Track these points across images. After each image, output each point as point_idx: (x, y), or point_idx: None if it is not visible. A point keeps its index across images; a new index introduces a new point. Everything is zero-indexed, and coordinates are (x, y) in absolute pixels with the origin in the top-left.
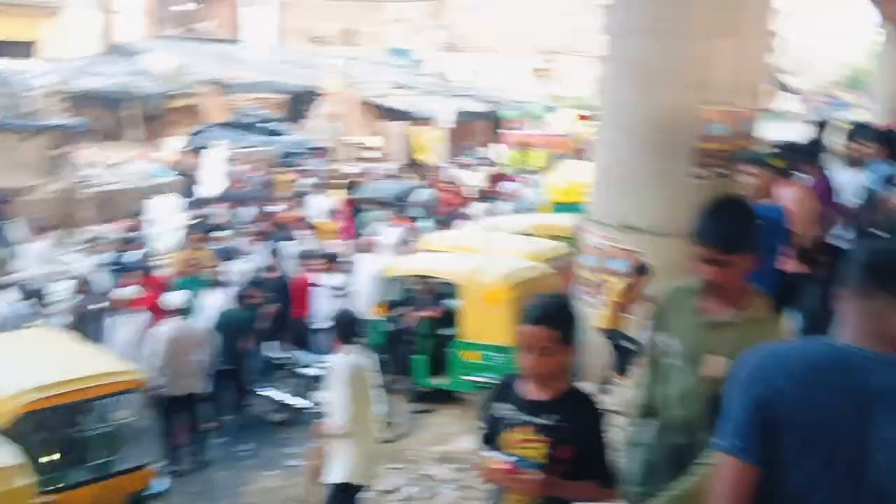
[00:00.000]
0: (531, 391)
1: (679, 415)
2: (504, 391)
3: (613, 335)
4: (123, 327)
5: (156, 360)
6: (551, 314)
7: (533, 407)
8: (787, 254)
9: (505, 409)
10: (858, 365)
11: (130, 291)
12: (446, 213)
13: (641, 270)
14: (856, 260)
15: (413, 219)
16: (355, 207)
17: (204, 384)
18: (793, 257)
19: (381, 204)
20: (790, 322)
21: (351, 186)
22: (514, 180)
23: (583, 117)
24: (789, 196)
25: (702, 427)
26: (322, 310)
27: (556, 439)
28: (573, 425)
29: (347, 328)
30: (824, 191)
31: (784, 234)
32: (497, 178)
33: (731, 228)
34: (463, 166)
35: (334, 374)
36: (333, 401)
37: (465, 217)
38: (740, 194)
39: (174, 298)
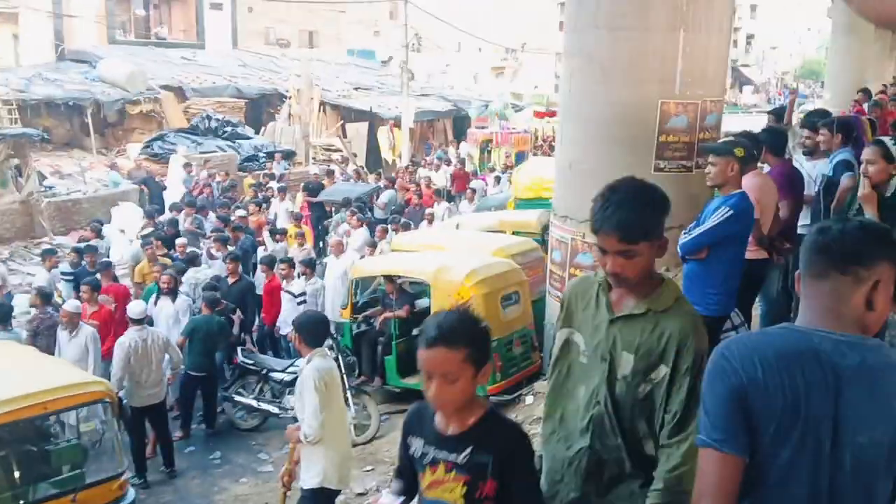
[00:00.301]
0: (443, 422)
1: (586, 417)
2: (418, 422)
3: None
4: (71, 340)
5: (116, 371)
6: (450, 333)
7: (446, 441)
8: (751, 241)
9: (418, 445)
10: (823, 346)
11: (74, 305)
12: (409, 214)
13: None
14: (807, 243)
15: (374, 220)
16: (315, 210)
17: (167, 393)
18: (754, 244)
19: (342, 206)
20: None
21: (309, 189)
22: (477, 178)
23: (538, 114)
24: (749, 184)
25: (610, 430)
26: (286, 315)
27: (475, 476)
28: (493, 457)
29: (313, 332)
30: (785, 178)
31: (752, 222)
32: (460, 177)
33: (632, 215)
34: (427, 165)
35: (303, 382)
36: (304, 408)
37: (428, 217)
38: (642, 179)
39: (135, 308)
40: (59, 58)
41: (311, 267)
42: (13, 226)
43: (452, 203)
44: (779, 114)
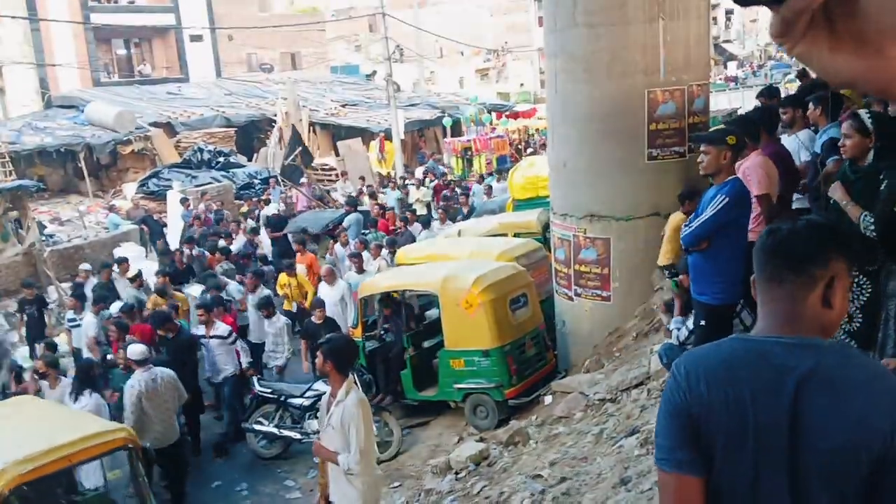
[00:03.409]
0: None
1: None
2: None
3: (671, 270)
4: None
5: (128, 415)
6: None
7: None
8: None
9: None
10: (775, 352)
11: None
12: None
13: (692, 195)
14: (758, 246)
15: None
16: (279, 245)
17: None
18: (758, 227)
19: (311, 235)
20: None
21: (272, 225)
22: (458, 188)
23: (509, 116)
24: (753, 163)
25: None
26: (216, 362)
27: None
28: None
29: (345, 357)
30: (775, 159)
31: (750, 207)
32: (440, 190)
33: None
34: (410, 181)
35: (349, 415)
36: (349, 441)
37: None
38: None
39: (136, 350)
40: (46, 105)
41: (268, 307)
42: (17, 278)
43: (433, 219)
44: (769, 93)
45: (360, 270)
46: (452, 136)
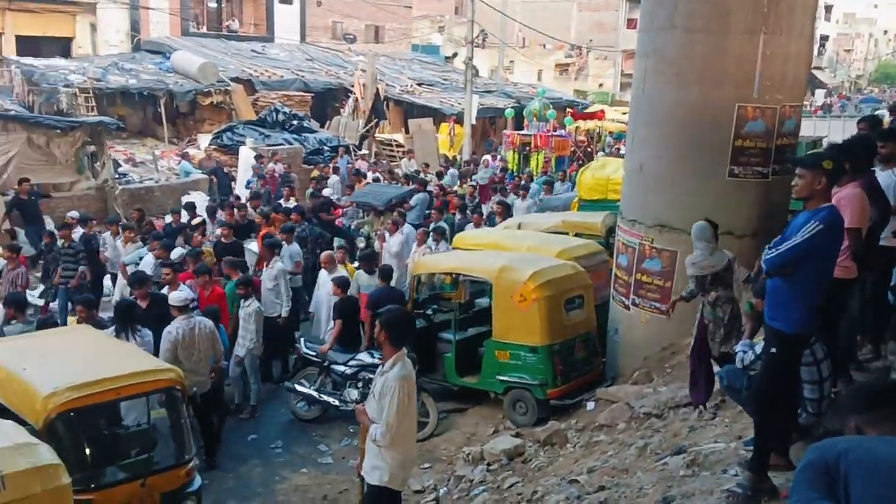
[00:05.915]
0: None
1: None
2: None
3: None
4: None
5: (162, 360)
6: None
7: None
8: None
9: None
10: None
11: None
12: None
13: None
14: None
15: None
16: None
17: (212, 382)
18: (845, 261)
19: (374, 210)
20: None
21: (317, 194)
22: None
23: (577, 116)
24: (850, 194)
25: None
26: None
27: None
28: None
29: (401, 331)
30: (870, 189)
31: (842, 238)
32: (486, 188)
33: None
34: (468, 169)
35: (387, 386)
36: (382, 411)
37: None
38: None
39: (178, 297)
40: (134, 48)
41: (247, 285)
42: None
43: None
44: (872, 122)
45: (370, 271)
46: (515, 129)
